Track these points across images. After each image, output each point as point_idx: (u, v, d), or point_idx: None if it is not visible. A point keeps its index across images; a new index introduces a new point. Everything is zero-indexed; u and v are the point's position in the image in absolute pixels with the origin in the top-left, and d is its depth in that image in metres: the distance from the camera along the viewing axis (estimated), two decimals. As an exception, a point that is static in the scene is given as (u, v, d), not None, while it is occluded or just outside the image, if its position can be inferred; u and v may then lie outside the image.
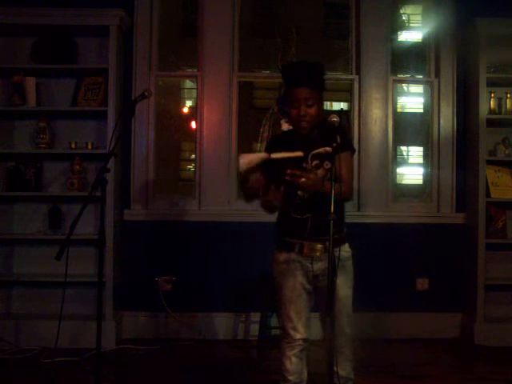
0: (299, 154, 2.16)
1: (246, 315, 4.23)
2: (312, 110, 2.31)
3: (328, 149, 2.19)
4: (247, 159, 2.15)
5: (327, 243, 2.17)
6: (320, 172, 2.26)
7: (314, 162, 2.26)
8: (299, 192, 2.30)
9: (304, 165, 2.16)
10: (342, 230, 2.39)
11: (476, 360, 3.85)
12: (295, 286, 2.35)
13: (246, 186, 2.17)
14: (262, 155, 2.16)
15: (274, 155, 2.16)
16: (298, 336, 2.33)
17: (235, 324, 4.23)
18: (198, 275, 4.22)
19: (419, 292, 4.31)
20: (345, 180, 2.27)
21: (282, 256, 2.38)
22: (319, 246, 2.30)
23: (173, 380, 3.39)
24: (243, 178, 2.16)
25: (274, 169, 2.13)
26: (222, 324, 4.22)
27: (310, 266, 2.33)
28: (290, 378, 2.33)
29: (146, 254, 4.23)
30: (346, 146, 2.35)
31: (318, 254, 2.31)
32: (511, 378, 3.43)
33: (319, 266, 2.32)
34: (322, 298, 2.32)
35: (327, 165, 2.25)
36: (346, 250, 2.39)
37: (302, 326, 2.34)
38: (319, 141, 2.30)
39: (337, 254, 2.27)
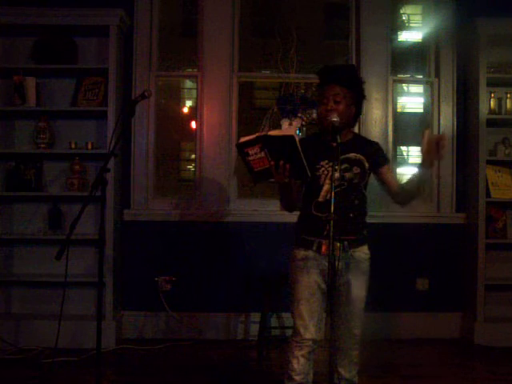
0: (291, 132, 2.20)
1: (245, 315, 4.23)
2: (340, 107, 2.32)
3: (358, 155, 2.34)
4: (246, 137, 2.21)
5: (346, 242, 2.26)
6: (348, 175, 2.33)
7: (344, 166, 2.32)
8: (324, 189, 2.32)
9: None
10: (361, 231, 2.41)
11: (476, 360, 3.84)
12: (310, 284, 2.33)
13: (247, 160, 2.18)
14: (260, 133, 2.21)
15: (271, 132, 2.18)
16: (308, 336, 2.30)
17: (235, 324, 4.23)
18: (198, 275, 4.23)
19: (419, 292, 4.31)
20: (394, 185, 2.46)
21: (300, 253, 2.37)
22: (338, 244, 2.28)
23: (173, 380, 3.39)
24: (241, 151, 2.17)
25: (276, 150, 2.15)
26: (222, 324, 4.22)
27: (327, 264, 2.32)
28: (296, 377, 2.30)
29: (145, 254, 4.23)
30: (386, 159, 2.51)
31: (336, 252, 2.31)
32: (511, 378, 3.43)
33: (336, 265, 2.30)
34: (336, 299, 2.30)
35: (356, 169, 2.34)
36: (364, 252, 2.41)
37: (313, 325, 2.31)
38: (350, 146, 2.36)
39: (351, 254, 2.34)
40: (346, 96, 2.34)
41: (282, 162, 2.14)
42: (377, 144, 2.51)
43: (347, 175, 2.33)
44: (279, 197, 2.41)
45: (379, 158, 2.45)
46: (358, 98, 2.40)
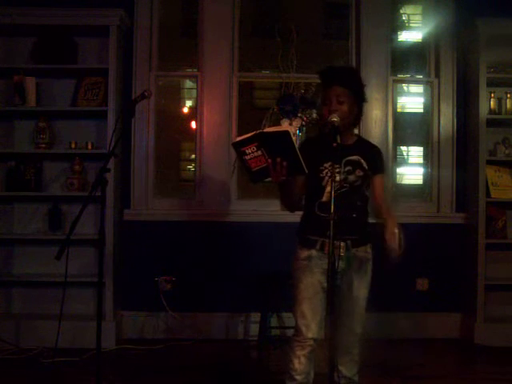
0: (286, 127, 2.21)
1: (246, 315, 4.22)
2: (343, 107, 2.32)
3: (361, 158, 2.35)
4: (243, 135, 2.19)
5: (349, 242, 2.29)
6: (351, 178, 2.34)
7: (347, 168, 2.33)
8: (327, 190, 2.32)
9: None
10: (364, 230, 2.43)
11: (476, 360, 3.84)
12: (313, 284, 2.34)
13: (244, 160, 2.16)
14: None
15: (267, 129, 2.17)
16: (310, 335, 2.31)
17: (235, 324, 4.23)
18: (198, 275, 4.22)
19: (419, 292, 4.31)
20: (380, 197, 2.43)
21: (304, 253, 2.38)
22: (342, 244, 2.30)
23: (173, 380, 3.39)
24: (237, 150, 2.15)
25: (273, 147, 2.13)
26: (222, 324, 4.22)
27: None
28: (298, 377, 2.32)
29: (146, 254, 4.23)
30: (383, 168, 2.48)
31: (340, 251, 2.31)
32: (511, 377, 3.43)
33: (339, 264, 2.31)
34: (338, 297, 2.32)
35: (359, 172, 2.35)
36: (367, 251, 2.43)
37: (315, 325, 2.32)
38: (353, 149, 2.37)
39: (354, 253, 2.36)
40: (349, 97, 2.34)
41: (278, 160, 2.14)
42: (379, 150, 2.51)
43: (350, 178, 2.33)
44: (280, 196, 2.41)
45: (377, 165, 2.45)
46: (359, 100, 2.40)
